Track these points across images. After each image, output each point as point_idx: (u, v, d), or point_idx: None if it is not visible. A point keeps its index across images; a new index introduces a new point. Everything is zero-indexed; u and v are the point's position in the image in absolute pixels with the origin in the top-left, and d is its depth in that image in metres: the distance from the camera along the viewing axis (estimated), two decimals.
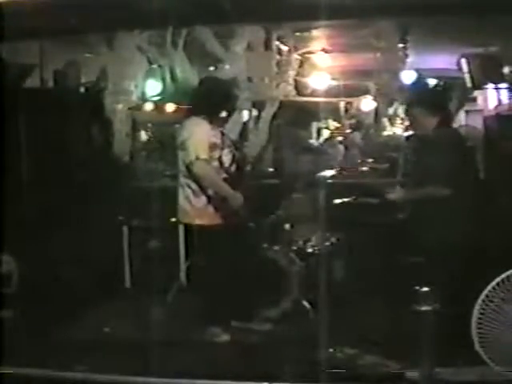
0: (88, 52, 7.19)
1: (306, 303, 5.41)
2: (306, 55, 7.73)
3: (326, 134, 9.71)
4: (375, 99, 7.90)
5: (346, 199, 6.33)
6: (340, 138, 9.35)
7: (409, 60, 7.12)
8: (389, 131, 9.20)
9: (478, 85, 7.60)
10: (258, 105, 7.20)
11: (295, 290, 5.48)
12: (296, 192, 6.23)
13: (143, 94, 7.18)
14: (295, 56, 7.33)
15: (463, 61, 7.47)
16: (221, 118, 5.23)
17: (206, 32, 6.71)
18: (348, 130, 9.59)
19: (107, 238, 6.24)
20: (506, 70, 7.38)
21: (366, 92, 8.09)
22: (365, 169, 7.74)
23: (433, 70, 8.44)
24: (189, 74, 6.95)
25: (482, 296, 3.81)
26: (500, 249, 4.83)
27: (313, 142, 9.07)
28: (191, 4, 4.92)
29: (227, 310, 5.03)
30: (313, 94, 8.14)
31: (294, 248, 5.82)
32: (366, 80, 7.81)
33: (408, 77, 7.31)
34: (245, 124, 7.19)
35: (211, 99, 5.16)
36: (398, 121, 9.27)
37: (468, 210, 4.68)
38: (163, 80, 7.10)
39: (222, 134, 5.17)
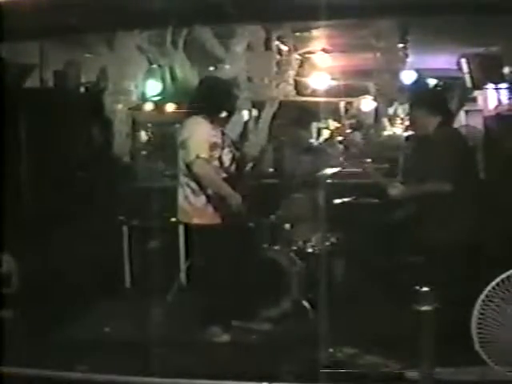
0: (88, 52, 7.19)
1: (305, 303, 5.41)
2: (306, 55, 7.73)
3: (326, 133, 9.70)
4: (375, 99, 7.89)
5: (345, 199, 6.34)
6: (340, 138, 9.35)
7: (409, 60, 7.11)
8: (389, 131, 9.19)
9: (478, 85, 7.60)
10: (258, 105, 7.20)
11: (295, 290, 5.48)
12: (296, 192, 6.24)
13: (143, 94, 7.17)
14: (295, 56, 7.33)
15: (463, 61, 7.47)
16: (221, 118, 5.23)
17: (205, 32, 6.71)
18: (348, 130, 9.59)
19: (107, 237, 6.24)
20: (506, 70, 7.38)
21: (365, 92, 8.08)
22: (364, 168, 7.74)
23: (433, 69, 8.44)
24: (189, 74, 6.94)
25: (482, 296, 3.81)
26: (500, 249, 4.83)
27: (313, 141, 9.06)
28: (191, 4, 4.93)
29: (227, 310, 5.03)
30: (313, 93, 8.14)
31: (294, 248, 5.82)
32: (366, 80, 7.80)
33: (408, 77, 7.31)
34: (245, 124, 7.19)
35: (212, 99, 5.16)
36: (398, 121, 9.26)
37: (468, 210, 4.68)
38: (163, 80, 7.09)
39: (223, 133, 5.17)
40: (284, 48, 7.14)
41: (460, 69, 7.56)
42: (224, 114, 5.25)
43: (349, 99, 9.18)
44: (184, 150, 5.01)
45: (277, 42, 7.05)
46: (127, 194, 6.62)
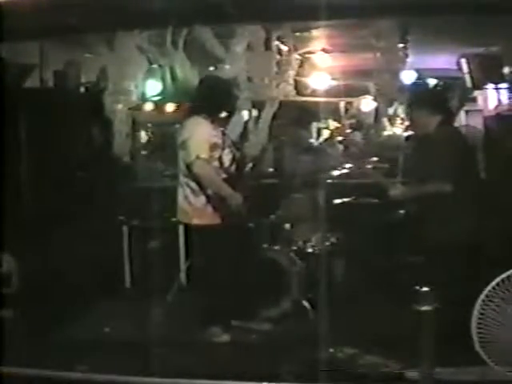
0: (88, 52, 7.19)
1: (305, 303, 5.41)
2: (306, 55, 7.73)
3: (326, 133, 9.70)
4: (375, 99, 7.89)
5: (345, 199, 6.34)
6: (340, 138, 9.35)
7: (409, 60, 7.11)
8: (389, 131, 9.19)
9: (478, 85, 7.61)
10: (258, 105, 7.20)
11: (295, 290, 5.47)
12: (296, 192, 6.24)
13: (143, 94, 7.17)
14: (295, 56, 7.33)
15: (463, 61, 7.48)
16: (222, 118, 5.23)
17: (206, 32, 6.71)
18: (348, 130, 9.59)
19: (107, 238, 6.24)
20: (506, 70, 7.38)
21: (365, 92, 8.09)
22: (364, 169, 7.74)
23: (433, 69, 8.44)
24: (189, 74, 6.94)
25: (482, 296, 3.81)
26: (500, 249, 4.83)
27: (313, 141, 9.07)
28: (191, 4, 4.93)
29: (227, 310, 5.03)
30: (313, 94, 8.14)
31: (294, 248, 5.82)
32: (366, 80, 7.80)
33: (408, 77, 7.31)
34: (245, 124, 7.19)
35: (212, 99, 5.16)
36: (398, 121, 9.26)
37: (468, 210, 4.68)
38: (163, 80, 7.09)
39: (223, 133, 5.17)
40: (284, 48, 7.14)
41: (460, 69, 7.56)
42: (224, 114, 5.25)
43: (349, 99, 9.19)
44: (184, 150, 5.01)
45: (277, 42, 7.05)
46: (127, 193, 6.62)
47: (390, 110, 8.88)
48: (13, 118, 5.86)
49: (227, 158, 5.08)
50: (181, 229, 6.18)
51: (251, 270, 5.37)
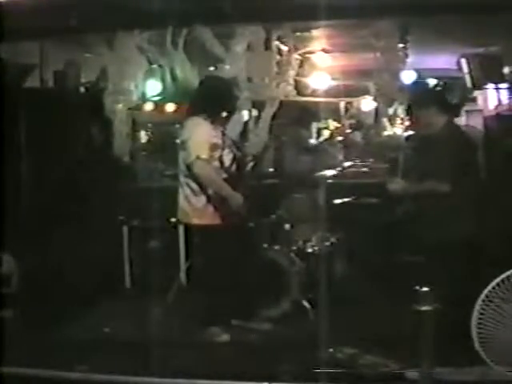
0: (88, 52, 7.19)
1: (305, 303, 5.41)
2: (306, 55, 7.72)
3: (326, 133, 9.70)
4: (375, 99, 7.88)
5: (345, 199, 6.34)
6: (340, 138, 9.34)
7: (409, 60, 7.11)
8: (389, 131, 9.19)
9: (478, 85, 7.60)
10: (258, 105, 7.19)
11: (295, 290, 5.47)
12: (296, 192, 6.23)
13: (143, 94, 7.17)
14: (295, 56, 7.32)
15: (463, 61, 7.47)
16: (222, 118, 5.23)
17: (206, 32, 6.70)
18: (348, 130, 9.59)
19: (107, 238, 6.24)
20: (506, 70, 7.38)
21: (366, 92, 8.08)
22: (365, 169, 7.75)
23: (433, 69, 8.44)
24: (189, 74, 6.94)
25: (482, 296, 3.81)
26: (500, 249, 4.83)
27: (313, 141, 9.06)
28: (191, 4, 4.93)
29: (227, 310, 5.03)
30: (313, 93, 8.13)
31: (294, 248, 5.82)
32: (366, 80, 7.79)
33: (408, 77, 7.31)
34: (245, 124, 7.19)
35: (212, 99, 5.16)
36: (398, 121, 9.26)
37: (468, 210, 4.69)
38: (163, 80, 7.09)
39: (223, 133, 5.17)
40: (284, 48, 7.14)
41: (460, 69, 7.55)
42: (224, 115, 5.25)
43: (349, 99, 9.18)
44: (184, 150, 5.02)
45: (277, 42, 7.04)
46: (127, 193, 6.61)
47: (390, 110, 8.87)
48: (13, 117, 5.86)
49: (227, 158, 5.08)
50: (181, 229, 6.18)
51: (251, 269, 5.37)
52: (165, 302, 5.80)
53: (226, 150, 5.09)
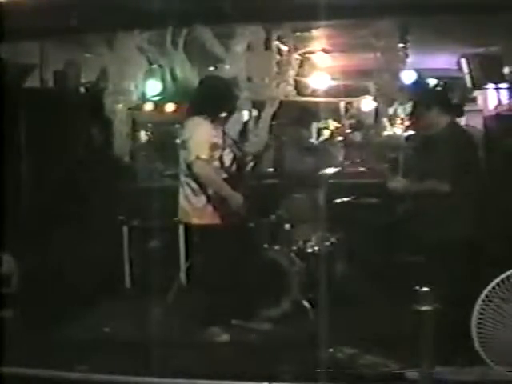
0: (88, 52, 7.19)
1: (305, 303, 5.41)
2: (306, 55, 7.72)
3: (326, 133, 9.69)
4: (375, 99, 7.88)
5: (345, 199, 6.33)
6: (340, 138, 9.34)
7: (409, 60, 7.11)
8: (389, 131, 9.18)
9: (478, 85, 7.59)
10: (258, 105, 7.19)
11: (295, 290, 5.47)
12: (296, 192, 6.23)
13: (143, 94, 7.16)
14: (295, 56, 7.32)
15: (463, 61, 7.47)
16: (222, 118, 5.23)
17: (206, 32, 6.70)
18: (348, 130, 9.58)
19: (107, 238, 6.24)
20: (506, 70, 7.37)
21: (366, 92, 8.07)
22: (365, 169, 7.74)
23: (433, 69, 8.43)
24: (189, 74, 6.94)
25: (482, 296, 3.81)
26: (500, 248, 4.83)
27: (313, 141, 9.06)
28: (191, 4, 4.93)
29: (227, 310, 5.03)
30: (313, 94, 8.13)
31: (294, 248, 5.82)
32: (366, 80, 7.79)
33: (408, 77, 7.30)
34: (245, 124, 7.19)
35: (212, 99, 5.16)
36: (398, 121, 9.25)
37: (469, 210, 4.69)
38: (163, 80, 7.08)
39: (224, 133, 5.17)
40: (284, 48, 7.13)
41: (460, 69, 7.55)
42: (224, 114, 5.25)
43: (349, 99, 9.17)
44: (185, 150, 5.02)
45: (277, 42, 7.04)
46: (127, 193, 6.62)
47: (390, 110, 8.86)
48: (13, 117, 5.86)
49: (228, 158, 5.08)
50: (181, 229, 6.18)
51: (251, 269, 5.37)
52: (165, 301, 5.80)
53: (227, 150, 5.09)
